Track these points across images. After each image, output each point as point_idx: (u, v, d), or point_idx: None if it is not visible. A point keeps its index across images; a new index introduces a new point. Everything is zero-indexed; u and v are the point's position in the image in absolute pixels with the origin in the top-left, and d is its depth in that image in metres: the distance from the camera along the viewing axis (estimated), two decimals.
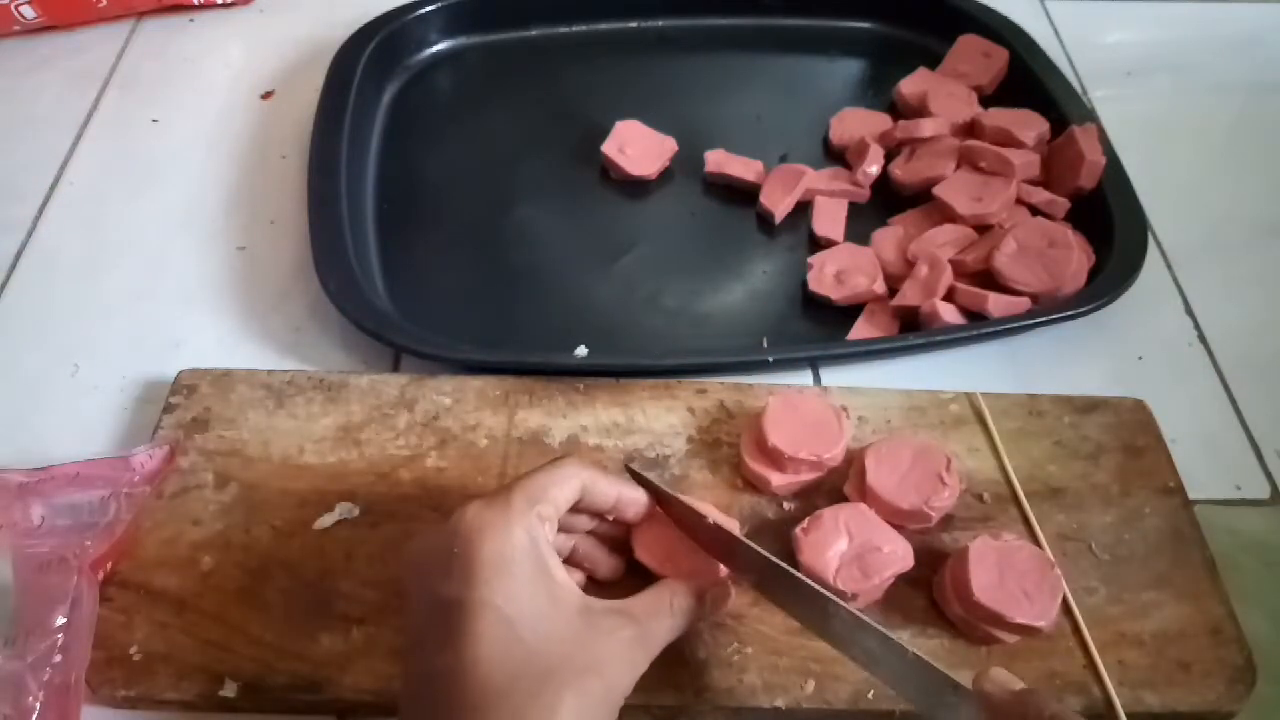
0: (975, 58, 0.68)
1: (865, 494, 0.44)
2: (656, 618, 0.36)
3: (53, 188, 0.61)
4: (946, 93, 0.65)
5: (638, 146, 0.62)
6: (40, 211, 0.59)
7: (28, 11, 0.68)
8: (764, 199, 0.60)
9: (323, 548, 0.43)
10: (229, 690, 0.39)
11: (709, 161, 0.62)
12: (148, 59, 0.70)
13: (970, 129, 0.63)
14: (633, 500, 0.39)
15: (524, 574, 0.33)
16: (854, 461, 0.46)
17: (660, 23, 0.73)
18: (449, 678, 0.32)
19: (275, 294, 0.56)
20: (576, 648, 0.33)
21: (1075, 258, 0.54)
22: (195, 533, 0.43)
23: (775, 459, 0.45)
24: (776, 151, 0.64)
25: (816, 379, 0.53)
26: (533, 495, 0.35)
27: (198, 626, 0.40)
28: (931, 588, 0.43)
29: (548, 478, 0.36)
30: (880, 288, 0.55)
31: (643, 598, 0.36)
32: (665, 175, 0.63)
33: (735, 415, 0.48)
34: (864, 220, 0.60)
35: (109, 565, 0.41)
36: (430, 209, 0.61)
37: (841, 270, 0.56)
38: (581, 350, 0.51)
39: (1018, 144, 0.60)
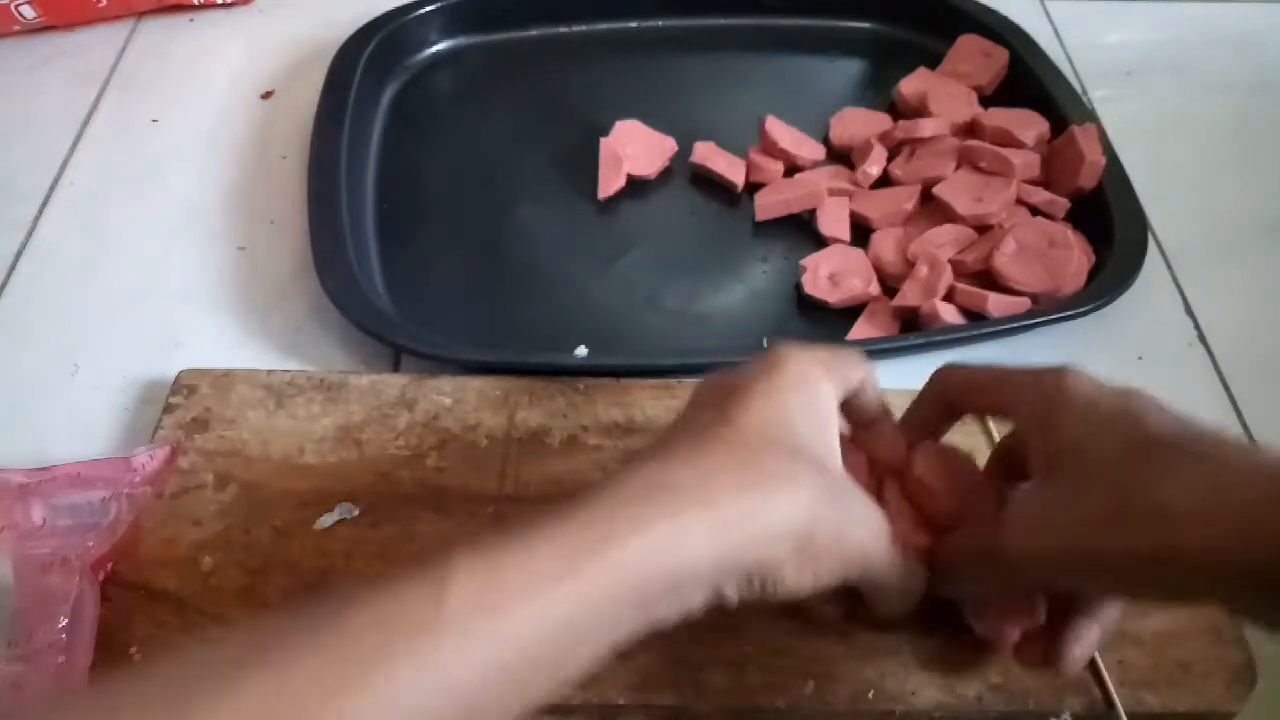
0: (975, 58, 0.68)
1: None
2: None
3: (53, 188, 0.61)
4: (946, 93, 0.65)
5: (638, 146, 0.62)
6: (40, 211, 0.59)
7: (28, 11, 0.68)
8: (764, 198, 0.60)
9: (323, 548, 0.43)
10: None
11: (696, 152, 0.62)
12: (148, 59, 0.70)
13: (970, 129, 0.63)
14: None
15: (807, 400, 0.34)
16: None
17: (660, 23, 0.73)
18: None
19: (275, 294, 0.56)
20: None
21: (1075, 258, 0.54)
22: (195, 533, 0.43)
23: None
24: None
25: None
26: (836, 362, 0.36)
27: (198, 626, 0.40)
28: None
29: (845, 356, 0.37)
30: (875, 289, 0.55)
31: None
32: (665, 175, 0.63)
33: None
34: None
35: (109, 566, 0.41)
36: (430, 209, 0.61)
37: (835, 273, 0.56)
38: (581, 350, 0.51)
39: (1018, 144, 0.60)
